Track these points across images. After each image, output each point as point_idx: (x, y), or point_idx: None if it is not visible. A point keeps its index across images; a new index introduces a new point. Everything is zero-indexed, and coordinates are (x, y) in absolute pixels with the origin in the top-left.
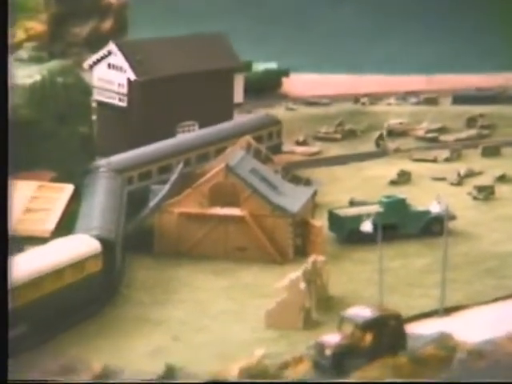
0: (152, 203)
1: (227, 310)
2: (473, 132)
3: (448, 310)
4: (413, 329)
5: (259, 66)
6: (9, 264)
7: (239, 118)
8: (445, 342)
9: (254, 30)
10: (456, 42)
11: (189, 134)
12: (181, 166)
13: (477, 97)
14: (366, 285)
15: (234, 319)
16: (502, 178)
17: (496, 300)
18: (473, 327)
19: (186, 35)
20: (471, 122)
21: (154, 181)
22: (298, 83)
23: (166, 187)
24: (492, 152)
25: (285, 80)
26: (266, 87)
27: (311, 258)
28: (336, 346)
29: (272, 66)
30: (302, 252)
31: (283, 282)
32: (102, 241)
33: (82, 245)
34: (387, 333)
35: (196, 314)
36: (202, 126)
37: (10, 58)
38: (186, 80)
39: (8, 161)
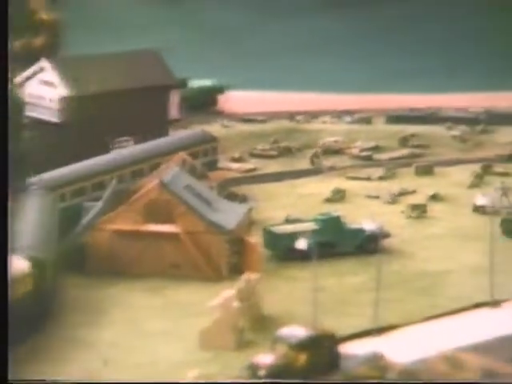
0: (85, 220)
1: (160, 330)
2: (406, 151)
3: (381, 330)
4: (346, 348)
5: (195, 83)
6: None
7: (174, 135)
8: (377, 362)
9: (190, 48)
10: (390, 63)
11: (123, 150)
12: (114, 182)
13: (409, 117)
14: (300, 303)
15: (167, 339)
16: (434, 197)
17: (428, 319)
18: (405, 347)
19: (120, 52)
20: (404, 141)
21: (88, 198)
22: (234, 100)
23: (100, 204)
24: (425, 171)
25: (220, 97)
26: (201, 104)
27: (245, 276)
28: (269, 366)
29: (207, 83)
30: (237, 269)
31: (216, 300)
32: (32, 260)
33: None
34: (321, 353)
35: (128, 334)
36: (137, 142)
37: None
38: (121, 96)
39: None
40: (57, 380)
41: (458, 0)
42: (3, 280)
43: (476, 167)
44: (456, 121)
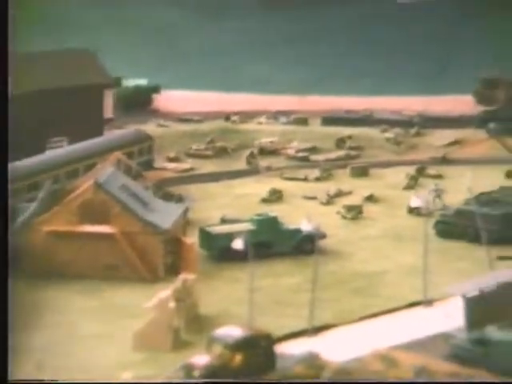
0: (19, 221)
1: (95, 333)
2: (342, 152)
3: (317, 330)
4: (283, 348)
5: (129, 83)
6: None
7: (109, 134)
8: (312, 362)
9: (125, 47)
10: (326, 65)
11: (58, 150)
12: (49, 182)
13: (345, 119)
14: (236, 304)
15: (102, 342)
16: (369, 198)
17: (363, 318)
18: (340, 346)
19: (54, 50)
20: (340, 142)
21: (23, 198)
22: (170, 100)
23: (34, 205)
24: (360, 172)
25: (156, 96)
26: (136, 103)
27: (181, 277)
28: (205, 367)
29: (142, 82)
30: (173, 270)
31: (152, 301)
32: None
33: None
34: (257, 353)
35: (62, 337)
36: (71, 142)
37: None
38: (55, 95)
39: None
40: (57, 380)
41: (396, 4)
42: (3, 280)
43: (410, 169)
44: (391, 123)
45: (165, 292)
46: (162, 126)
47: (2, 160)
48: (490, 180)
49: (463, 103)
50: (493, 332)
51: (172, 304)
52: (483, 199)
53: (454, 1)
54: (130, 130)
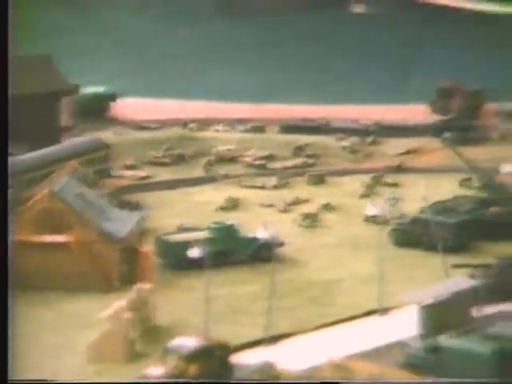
0: None
1: (51, 344)
2: (299, 160)
3: (274, 339)
4: (239, 358)
5: (87, 90)
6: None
7: (66, 142)
8: (268, 371)
9: (83, 54)
10: (284, 73)
11: (15, 158)
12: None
13: (302, 127)
14: (193, 313)
15: (59, 353)
16: (326, 206)
17: (319, 327)
18: (297, 355)
19: (12, 56)
20: (297, 150)
21: None
22: (127, 107)
23: None
24: (317, 180)
25: (113, 104)
26: (94, 111)
27: (137, 287)
28: (159, 378)
29: (99, 89)
30: (129, 279)
31: (107, 311)
32: None
33: None
34: (212, 363)
35: (22, 348)
36: (28, 150)
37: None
38: (12, 102)
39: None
40: (57, 380)
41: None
42: (3, 281)
43: (366, 178)
44: (347, 132)
45: (120, 302)
46: (119, 133)
47: (2, 159)
48: (445, 189)
49: (419, 112)
50: (446, 340)
51: (127, 314)
52: (438, 208)
53: (411, 12)
54: (87, 137)
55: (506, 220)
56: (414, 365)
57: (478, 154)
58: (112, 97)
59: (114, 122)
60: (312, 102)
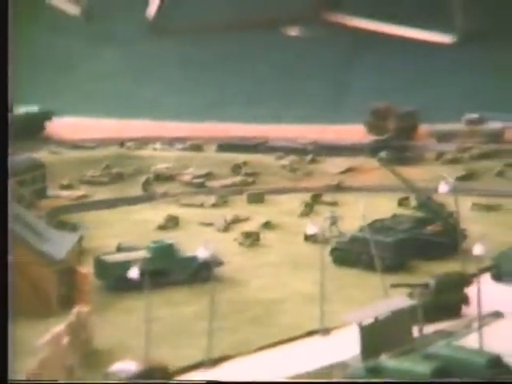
0: None
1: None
2: (238, 179)
3: (215, 361)
4: (180, 381)
5: (21, 109)
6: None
7: None
8: None
9: (16, 72)
10: (222, 91)
11: None
12: None
13: (240, 146)
14: (133, 335)
15: None
16: (266, 225)
17: (260, 349)
18: (238, 377)
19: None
20: (236, 169)
21: None
22: (62, 127)
23: None
24: (256, 199)
25: (48, 123)
26: (28, 130)
27: (75, 310)
28: None
29: (33, 109)
30: (68, 301)
31: (45, 337)
32: None
33: None
34: None
35: None
36: None
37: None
38: None
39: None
40: (57, 380)
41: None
42: (3, 282)
43: (306, 196)
44: (285, 151)
45: (58, 327)
46: (54, 153)
47: (2, 159)
48: (384, 208)
49: (355, 132)
50: (386, 360)
51: (66, 339)
52: (376, 226)
53: (346, 36)
54: (21, 157)
55: (442, 239)
56: None
57: (414, 173)
58: (47, 116)
59: (50, 141)
60: (249, 121)
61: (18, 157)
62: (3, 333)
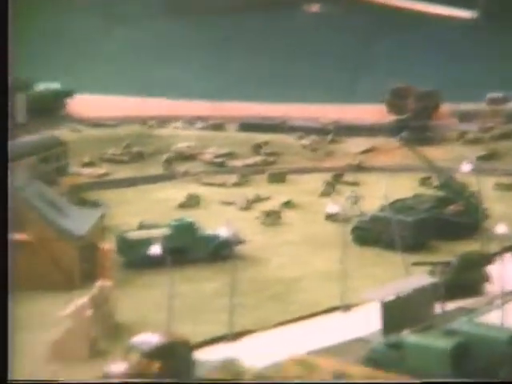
0: None
1: (14, 342)
2: (259, 158)
3: (236, 335)
4: (201, 355)
5: (41, 86)
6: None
7: (22, 139)
8: (231, 368)
9: (37, 49)
10: (242, 71)
11: None
12: None
13: (261, 125)
14: (154, 311)
15: (17, 352)
16: (287, 204)
17: (281, 324)
18: (259, 352)
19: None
20: (257, 148)
21: None
22: (83, 104)
23: None
24: (278, 178)
25: (69, 101)
26: (49, 108)
27: (98, 284)
28: (122, 375)
29: (55, 86)
30: (89, 277)
31: (68, 309)
32: None
33: None
34: (175, 360)
35: None
36: None
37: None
38: None
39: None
40: (57, 380)
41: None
42: (3, 282)
43: (327, 176)
44: (306, 131)
45: (81, 300)
46: (75, 131)
47: (2, 159)
48: (405, 187)
49: (376, 112)
50: (407, 336)
51: (89, 312)
52: (397, 206)
53: (367, 12)
54: (43, 135)
55: (463, 219)
56: (375, 360)
57: (435, 153)
58: (68, 93)
59: (70, 119)
60: (271, 101)
61: (39, 134)
62: (3, 333)
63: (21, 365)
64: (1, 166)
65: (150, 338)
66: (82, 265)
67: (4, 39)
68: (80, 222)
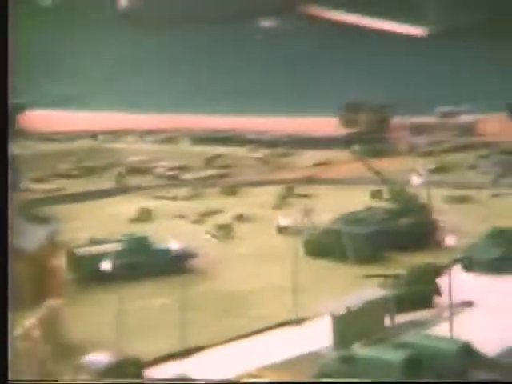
0: None
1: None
2: (212, 171)
3: (188, 352)
4: (153, 372)
5: None
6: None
7: None
8: None
9: None
10: (195, 82)
11: None
12: None
13: (213, 138)
14: (105, 328)
15: None
16: (239, 217)
17: (233, 339)
18: (211, 367)
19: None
20: (209, 161)
21: None
22: (34, 119)
23: None
24: (230, 191)
25: (20, 116)
26: None
27: (47, 303)
28: None
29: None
30: (40, 295)
31: (17, 330)
32: None
33: None
34: (126, 379)
35: None
36: None
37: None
38: None
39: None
40: (57, 380)
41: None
42: (3, 282)
43: (279, 189)
44: (258, 143)
45: (30, 320)
46: (26, 146)
47: (2, 159)
48: (356, 200)
49: (328, 125)
50: (359, 350)
51: (37, 332)
52: (349, 218)
53: (319, 28)
54: None
55: (415, 231)
56: (327, 375)
57: (387, 165)
58: (20, 108)
59: (21, 134)
60: (222, 113)
61: None
62: (3, 333)
63: None
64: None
65: (100, 358)
66: (32, 283)
67: (4, 41)
68: (30, 238)
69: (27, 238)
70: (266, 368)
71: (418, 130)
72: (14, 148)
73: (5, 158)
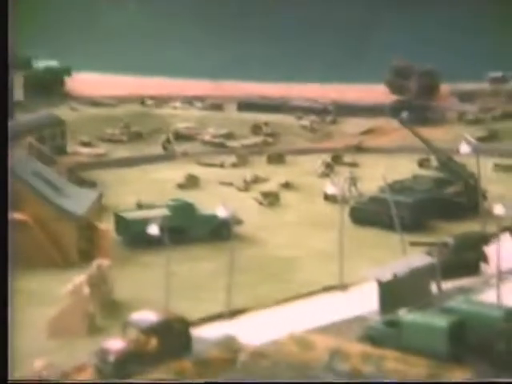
0: None
1: (12, 321)
2: (258, 139)
3: (234, 313)
4: (198, 332)
5: (40, 64)
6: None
7: (20, 118)
8: (229, 345)
9: (36, 26)
10: (241, 51)
11: None
12: None
13: (260, 105)
14: (152, 289)
15: (15, 329)
16: (285, 185)
17: (279, 303)
18: (256, 329)
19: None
20: (256, 129)
21: None
22: (82, 83)
23: None
24: (276, 159)
25: (68, 79)
26: (47, 86)
27: (96, 262)
28: (119, 351)
29: (53, 64)
30: (87, 256)
31: (67, 287)
32: None
33: None
34: (172, 337)
35: None
36: None
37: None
38: None
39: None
40: (57, 380)
41: None
42: (3, 281)
43: (326, 157)
44: (306, 111)
45: (79, 278)
46: (74, 109)
47: (3, 159)
48: (404, 168)
49: (376, 92)
50: (404, 314)
51: (87, 290)
52: (396, 187)
53: None
54: (41, 113)
55: (461, 200)
56: (372, 338)
57: (435, 134)
58: (67, 71)
59: (69, 97)
60: (270, 80)
61: (37, 113)
62: (3, 333)
63: (20, 341)
64: (1, 146)
65: (147, 316)
66: (81, 244)
67: (4, 17)
68: (78, 201)
69: (76, 201)
70: (312, 331)
71: (468, 96)
72: (62, 111)
73: (5, 156)
